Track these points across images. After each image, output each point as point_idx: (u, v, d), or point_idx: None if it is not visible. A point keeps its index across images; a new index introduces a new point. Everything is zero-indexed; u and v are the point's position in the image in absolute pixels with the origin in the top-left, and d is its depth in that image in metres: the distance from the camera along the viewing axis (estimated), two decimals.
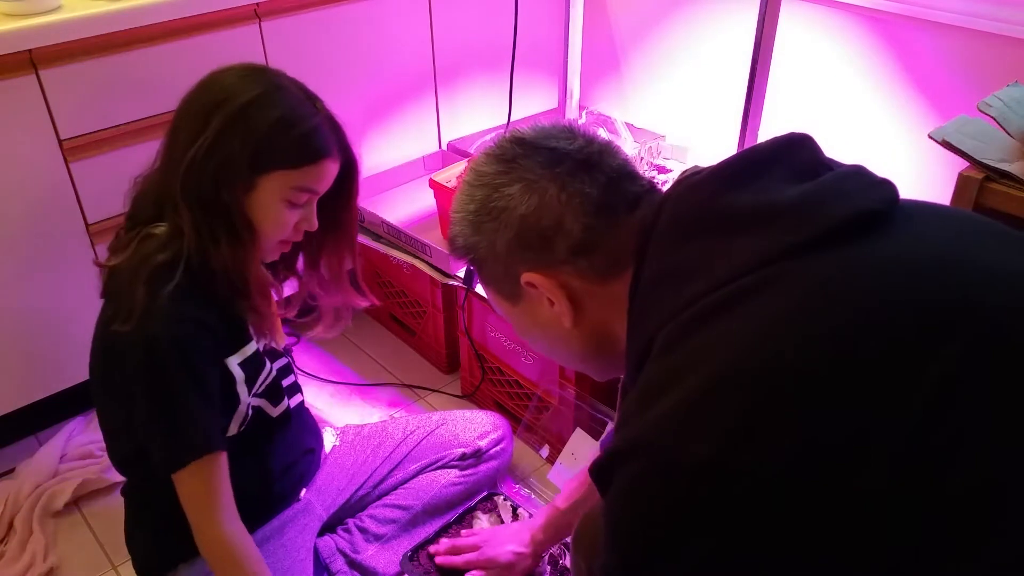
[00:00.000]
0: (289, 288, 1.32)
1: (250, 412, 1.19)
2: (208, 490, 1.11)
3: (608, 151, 0.81)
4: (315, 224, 1.13)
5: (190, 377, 1.05)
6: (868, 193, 0.68)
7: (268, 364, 1.19)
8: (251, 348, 1.16)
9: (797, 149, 0.75)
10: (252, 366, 1.16)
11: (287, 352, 1.31)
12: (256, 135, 1.03)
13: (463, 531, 1.42)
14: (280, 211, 1.08)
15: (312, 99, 1.10)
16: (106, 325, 1.06)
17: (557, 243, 0.77)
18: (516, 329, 0.89)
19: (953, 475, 0.55)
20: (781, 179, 0.72)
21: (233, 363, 1.13)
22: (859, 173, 0.72)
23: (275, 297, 1.21)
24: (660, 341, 0.67)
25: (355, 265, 1.27)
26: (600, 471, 0.67)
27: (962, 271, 0.63)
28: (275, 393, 1.23)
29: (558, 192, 0.77)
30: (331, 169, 1.10)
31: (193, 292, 1.04)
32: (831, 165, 0.74)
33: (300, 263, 1.27)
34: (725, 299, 0.64)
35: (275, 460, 1.28)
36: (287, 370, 1.29)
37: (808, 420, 0.57)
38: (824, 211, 0.66)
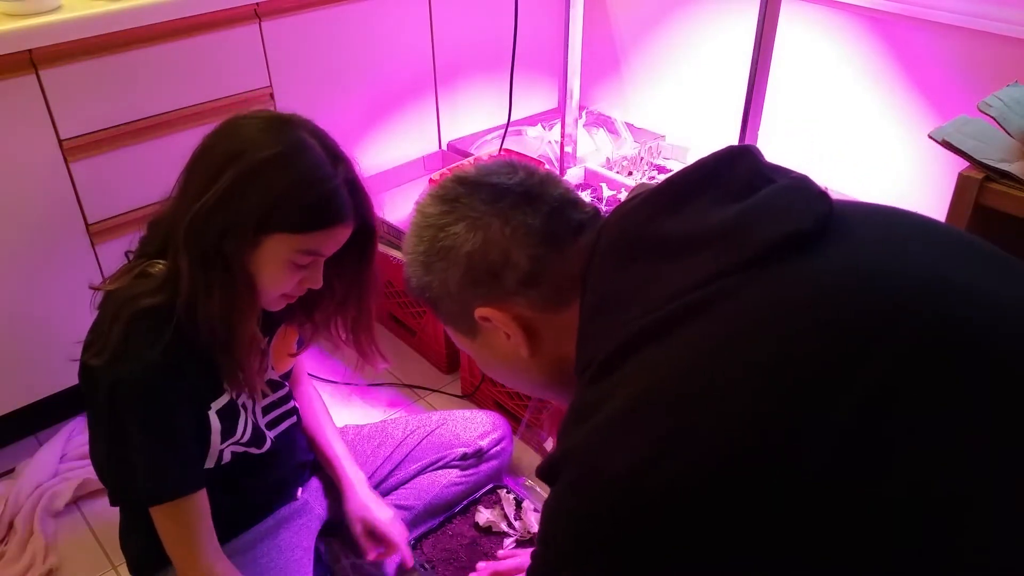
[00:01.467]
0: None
1: (227, 457, 1.17)
2: (181, 530, 1.10)
3: (550, 181, 0.82)
4: (320, 283, 1.09)
5: (150, 424, 1.03)
6: (799, 211, 0.68)
7: (244, 415, 1.17)
8: (225, 398, 1.13)
9: (736, 164, 0.75)
10: (228, 416, 1.13)
11: (284, 380, 1.30)
12: (267, 196, 0.98)
13: (500, 552, 1.40)
14: (281, 270, 1.04)
15: (336, 159, 1.04)
16: (84, 350, 1.05)
17: (506, 276, 0.78)
18: (479, 363, 0.90)
19: (885, 489, 0.56)
20: (716, 199, 0.72)
21: (212, 412, 1.11)
22: (795, 187, 0.71)
23: (263, 355, 1.17)
24: (594, 365, 0.69)
25: (372, 329, 1.24)
26: (544, 475, 0.70)
27: (892, 284, 0.63)
28: (258, 439, 1.21)
29: (502, 226, 0.78)
30: (342, 234, 1.05)
31: (173, 339, 1.01)
32: (772, 177, 0.73)
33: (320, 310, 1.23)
34: (655, 325, 0.66)
35: (261, 478, 1.28)
36: (286, 399, 1.28)
37: (722, 444, 0.58)
38: (753, 234, 0.67)
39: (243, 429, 1.17)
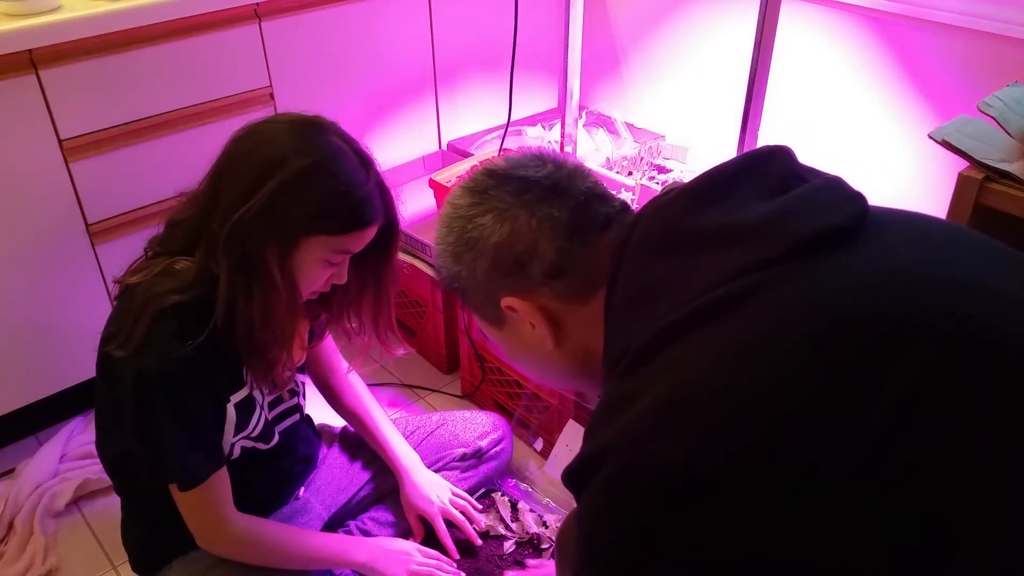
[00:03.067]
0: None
1: (237, 451, 1.20)
2: (205, 508, 1.15)
3: (577, 174, 0.83)
4: (345, 278, 1.14)
5: (176, 415, 1.06)
6: (836, 208, 0.68)
7: (258, 409, 1.20)
8: (245, 392, 1.16)
9: (770, 162, 0.76)
10: (244, 409, 1.17)
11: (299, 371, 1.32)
12: (310, 204, 1.02)
13: (529, 561, 1.41)
14: (315, 269, 1.08)
15: (365, 163, 1.09)
16: (105, 341, 1.07)
17: (532, 267, 0.79)
18: (505, 352, 0.91)
19: (918, 485, 0.56)
20: (751, 196, 0.72)
21: (231, 405, 1.14)
22: (830, 187, 0.72)
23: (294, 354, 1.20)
24: (628, 357, 0.69)
25: (392, 317, 1.27)
26: (573, 477, 0.68)
27: (927, 285, 0.64)
28: (267, 434, 1.24)
29: (528, 218, 0.79)
30: (372, 233, 1.11)
31: (198, 335, 1.04)
32: (805, 177, 0.74)
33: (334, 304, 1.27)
34: (690, 318, 0.66)
35: (267, 473, 1.29)
36: (291, 394, 1.30)
37: (765, 438, 0.58)
38: (788, 229, 0.67)
39: (255, 424, 1.20)
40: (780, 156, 0.76)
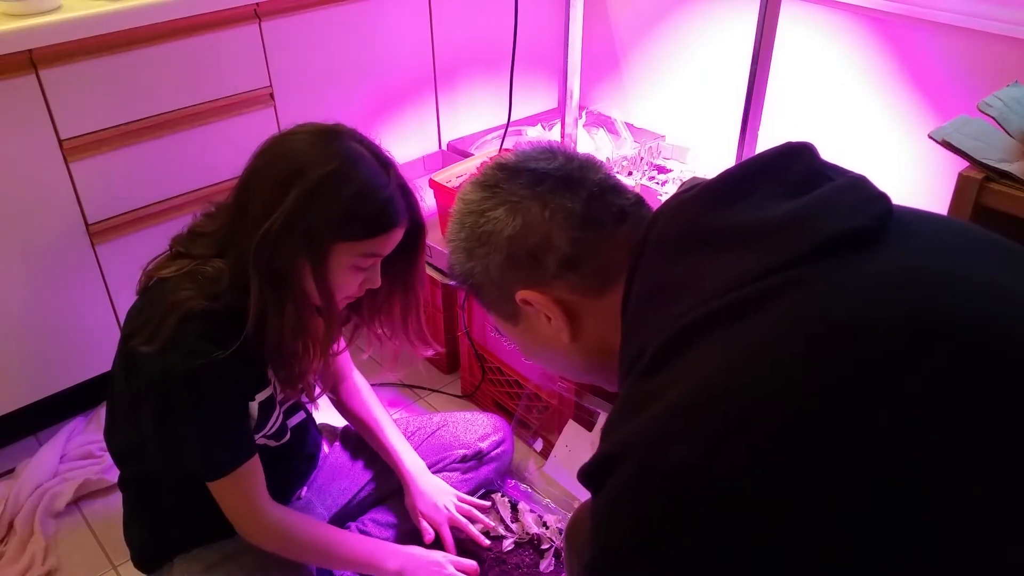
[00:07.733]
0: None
1: None
2: (239, 498, 1.16)
3: (589, 167, 0.82)
4: (378, 282, 1.15)
5: (201, 412, 1.07)
6: (859, 209, 0.68)
7: (277, 409, 1.21)
8: (268, 391, 1.17)
9: (794, 160, 0.75)
10: (265, 408, 1.17)
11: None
12: (333, 212, 1.03)
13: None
14: (346, 276, 1.09)
15: (385, 166, 1.09)
16: (130, 335, 1.07)
17: (546, 259, 0.78)
18: (521, 350, 0.91)
19: (930, 491, 0.56)
20: (774, 193, 0.72)
21: (255, 404, 1.15)
22: (854, 186, 0.71)
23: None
24: (646, 357, 0.68)
25: (421, 318, 1.28)
26: (590, 475, 0.68)
27: (948, 287, 0.63)
28: (280, 431, 1.25)
29: (541, 210, 0.78)
30: (398, 235, 1.11)
31: (226, 341, 1.05)
32: (830, 175, 0.73)
33: (363, 309, 1.28)
34: (707, 319, 0.65)
35: (274, 471, 1.29)
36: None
37: (782, 437, 0.58)
38: (811, 229, 0.66)
39: (274, 421, 1.21)
40: (804, 153, 0.75)
